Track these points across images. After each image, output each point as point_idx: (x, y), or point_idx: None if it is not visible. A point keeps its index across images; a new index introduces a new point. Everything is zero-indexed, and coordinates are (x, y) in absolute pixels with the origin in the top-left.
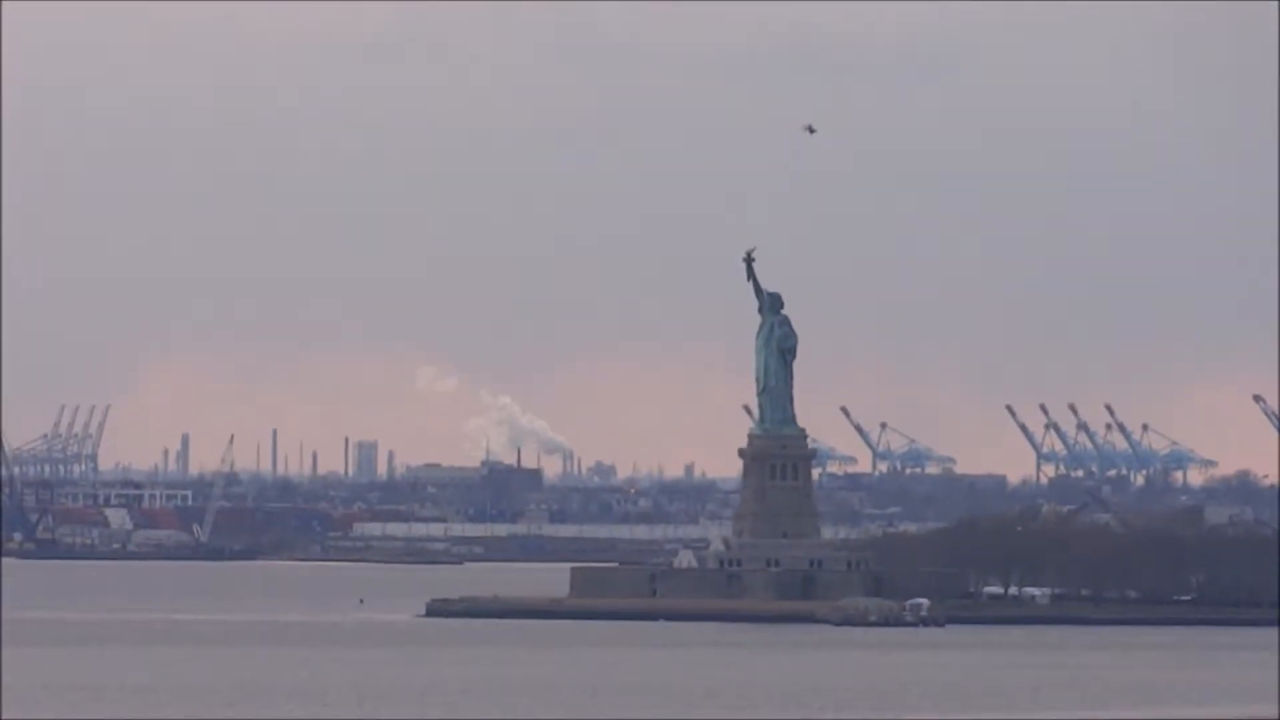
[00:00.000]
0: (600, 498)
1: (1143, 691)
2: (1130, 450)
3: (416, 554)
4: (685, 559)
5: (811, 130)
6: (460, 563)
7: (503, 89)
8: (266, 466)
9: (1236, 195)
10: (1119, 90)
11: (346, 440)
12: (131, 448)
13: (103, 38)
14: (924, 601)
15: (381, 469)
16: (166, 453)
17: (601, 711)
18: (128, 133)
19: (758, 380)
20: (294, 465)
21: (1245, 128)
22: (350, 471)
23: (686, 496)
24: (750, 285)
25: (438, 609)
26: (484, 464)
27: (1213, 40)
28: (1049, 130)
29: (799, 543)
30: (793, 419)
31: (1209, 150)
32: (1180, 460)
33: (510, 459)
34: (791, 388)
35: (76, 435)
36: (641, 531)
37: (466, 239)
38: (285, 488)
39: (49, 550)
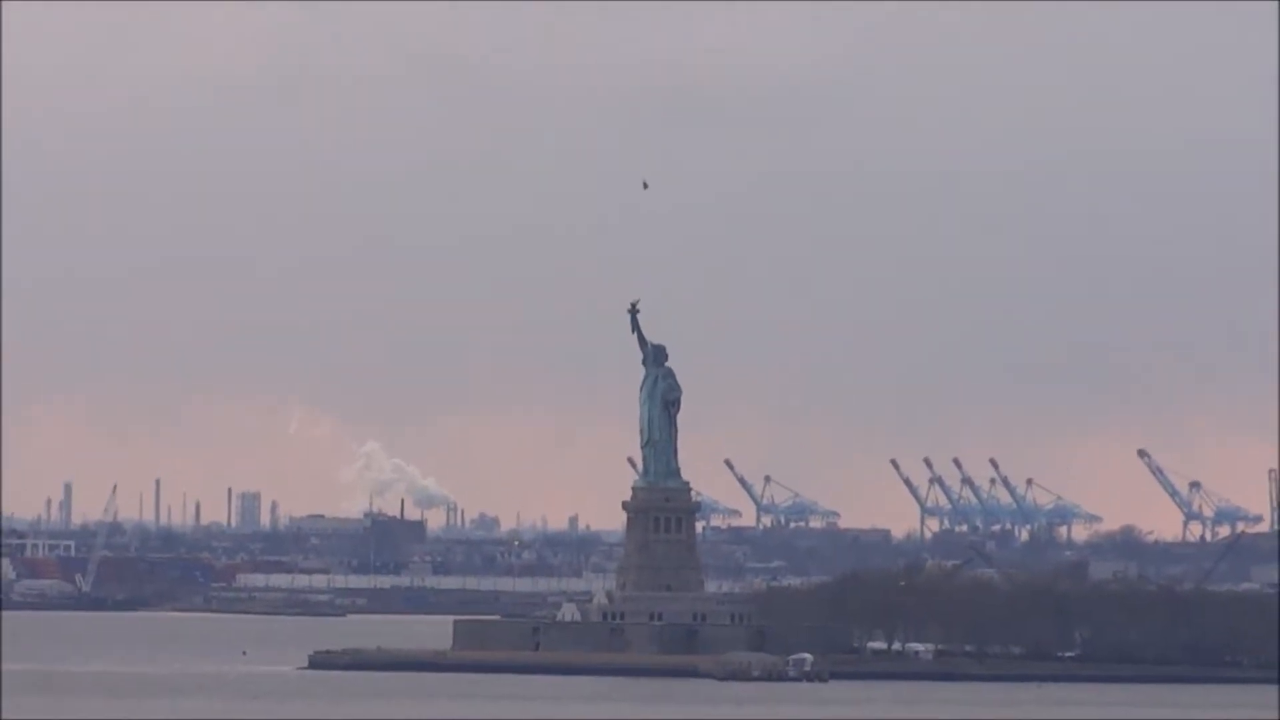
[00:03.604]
0: (484, 550)
1: None
2: (1015, 505)
3: (300, 605)
4: (568, 612)
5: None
6: (343, 614)
7: (379, 133)
8: (150, 516)
9: (1117, 241)
10: (1006, 136)
11: (229, 490)
12: (13, 497)
13: None
14: (807, 656)
15: (265, 519)
16: (49, 502)
17: None
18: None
19: (641, 433)
20: (177, 515)
21: (1107, 182)
22: (233, 522)
23: (570, 549)
24: (634, 337)
25: (321, 661)
26: (367, 515)
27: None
28: (932, 175)
29: (682, 596)
30: (676, 472)
31: (1086, 196)
32: (1065, 515)
33: (392, 509)
34: (675, 440)
35: None
36: (525, 584)
37: (348, 282)
38: (168, 538)
39: None
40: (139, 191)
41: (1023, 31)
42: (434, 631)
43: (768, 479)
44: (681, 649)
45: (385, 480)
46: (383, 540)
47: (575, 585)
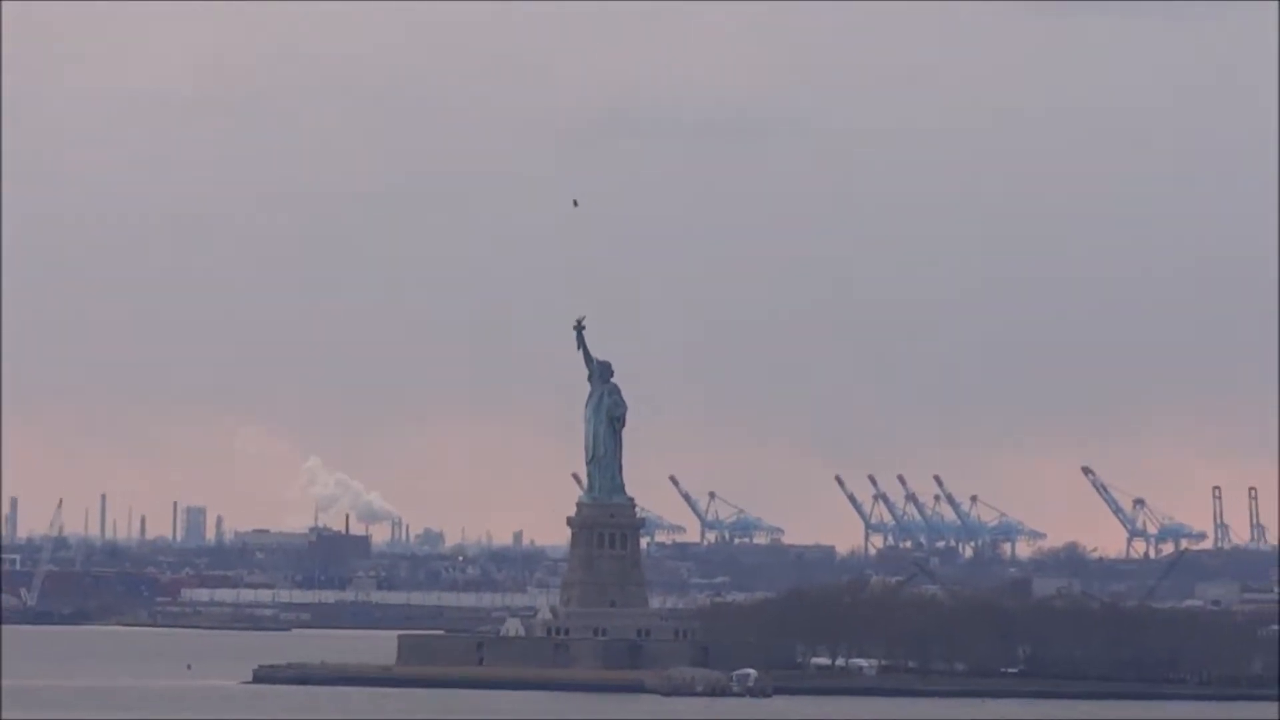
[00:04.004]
0: (428, 565)
1: None
2: (959, 521)
3: (244, 620)
4: (513, 627)
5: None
6: (288, 629)
7: (322, 153)
8: (95, 531)
9: (1061, 261)
10: (944, 159)
11: (175, 505)
12: None
13: None
14: (751, 672)
15: (210, 534)
16: None
17: None
18: None
19: (587, 449)
20: (122, 530)
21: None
22: (179, 536)
23: (515, 564)
24: (580, 353)
25: (265, 675)
26: (312, 530)
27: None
28: (878, 195)
29: (626, 612)
30: (621, 488)
31: (1027, 218)
32: (1009, 532)
33: (337, 525)
34: (620, 456)
35: None
36: (469, 599)
37: (294, 299)
38: (113, 552)
39: None
40: (90, 209)
41: (976, 49)
42: (378, 646)
43: (712, 495)
44: (625, 664)
45: (329, 495)
46: (327, 555)
47: (520, 601)
